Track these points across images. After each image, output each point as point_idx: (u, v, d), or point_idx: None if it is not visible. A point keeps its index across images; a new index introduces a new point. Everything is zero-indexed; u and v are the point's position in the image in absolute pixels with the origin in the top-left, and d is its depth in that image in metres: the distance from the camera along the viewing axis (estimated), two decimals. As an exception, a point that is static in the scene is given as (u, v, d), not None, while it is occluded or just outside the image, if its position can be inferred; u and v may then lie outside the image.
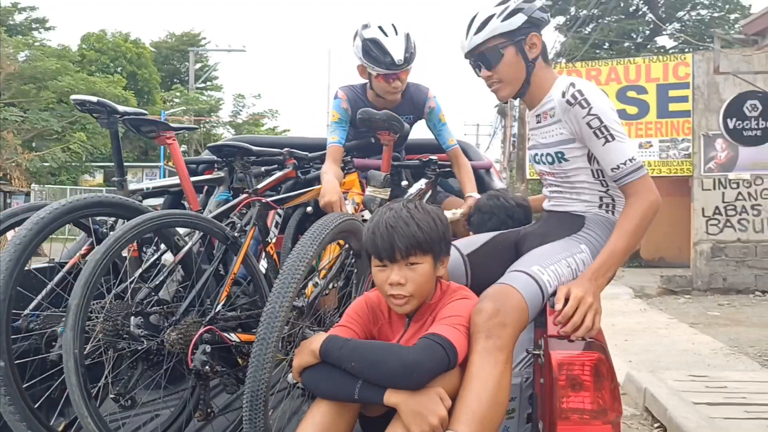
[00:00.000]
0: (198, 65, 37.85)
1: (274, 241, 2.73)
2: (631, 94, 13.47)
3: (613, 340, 7.94)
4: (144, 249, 2.44)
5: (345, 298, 2.56)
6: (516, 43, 2.25)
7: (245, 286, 2.46)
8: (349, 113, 3.28)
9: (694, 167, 12.81)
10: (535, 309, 1.96)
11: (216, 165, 3.27)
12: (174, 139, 2.63)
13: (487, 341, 1.81)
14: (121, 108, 2.45)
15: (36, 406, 1.89)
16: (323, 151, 3.22)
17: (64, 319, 1.95)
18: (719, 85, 12.41)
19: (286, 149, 3.12)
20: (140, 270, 2.22)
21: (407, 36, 3.15)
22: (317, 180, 3.11)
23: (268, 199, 2.63)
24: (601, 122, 2.10)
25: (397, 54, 3.08)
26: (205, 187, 3.45)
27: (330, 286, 2.42)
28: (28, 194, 26.21)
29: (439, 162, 3.42)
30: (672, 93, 13.25)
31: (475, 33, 2.27)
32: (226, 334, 2.09)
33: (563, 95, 2.16)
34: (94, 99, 2.39)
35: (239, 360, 2.18)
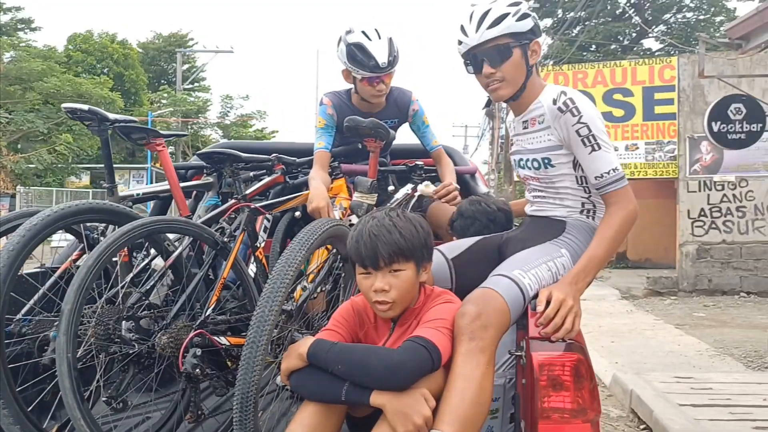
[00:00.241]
0: (185, 66, 37.68)
1: (263, 245, 2.76)
2: (618, 96, 13.56)
3: (599, 342, 8.00)
4: (134, 254, 2.47)
5: (333, 301, 2.60)
6: (522, 46, 2.30)
7: (235, 291, 2.50)
8: (335, 119, 3.32)
9: (680, 169, 12.92)
10: (517, 312, 2.01)
11: (205, 170, 3.30)
12: (164, 146, 2.65)
13: (470, 343, 1.86)
14: (111, 115, 2.48)
15: (28, 409, 1.92)
16: (311, 157, 3.25)
17: (56, 323, 1.99)
18: (704, 88, 12.53)
19: (274, 155, 3.15)
20: (131, 275, 2.25)
21: (390, 40, 3.20)
22: (305, 185, 3.15)
23: (257, 205, 2.67)
24: (590, 131, 2.16)
25: (381, 57, 3.14)
26: (194, 192, 3.48)
27: (318, 289, 2.46)
28: (13, 196, 26.01)
29: (425, 167, 3.46)
30: (658, 96, 13.34)
31: (488, 27, 2.28)
32: (216, 338, 2.13)
33: (554, 102, 2.22)
34: (86, 107, 2.42)
35: (228, 363, 2.21)
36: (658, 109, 13.34)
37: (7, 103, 24.66)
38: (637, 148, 13.50)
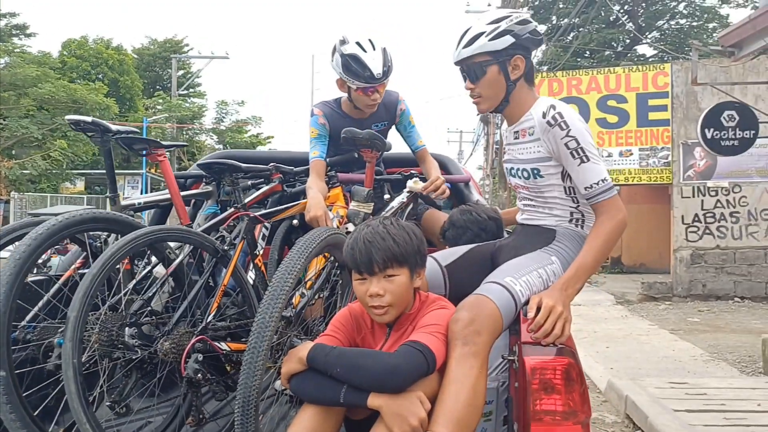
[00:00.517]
0: (181, 72, 37.68)
1: (261, 253, 2.82)
2: (612, 103, 13.62)
3: (595, 347, 8.04)
4: (136, 262, 2.52)
5: (330, 307, 2.66)
6: (500, 63, 2.37)
7: (234, 297, 2.54)
8: (327, 128, 3.39)
9: (674, 175, 12.99)
10: (509, 317, 2.08)
11: (204, 180, 3.34)
12: (165, 156, 2.72)
13: (463, 348, 1.93)
14: (114, 127, 2.54)
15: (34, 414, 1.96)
16: (307, 166, 3.30)
17: (60, 330, 2.08)
18: (698, 95, 12.61)
19: (272, 164, 3.19)
20: (133, 282, 2.31)
21: (384, 50, 3.27)
22: (302, 194, 3.22)
23: (256, 213, 2.72)
24: (578, 144, 2.23)
25: (376, 68, 3.21)
26: (193, 201, 3.52)
27: (316, 296, 2.52)
28: (7, 202, 25.95)
29: (421, 176, 3.52)
30: (651, 102, 13.42)
31: (464, 47, 2.39)
32: (217, 344, 2.18)
33: (544, 116, 2.28)
34: (89, 119, 2.48)
35: (228, 368, 2.26)
36: (652, 116, 13.42)
37: (2, 109, 24.61)
38: (631, 154, 13.57)
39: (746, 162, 12.20)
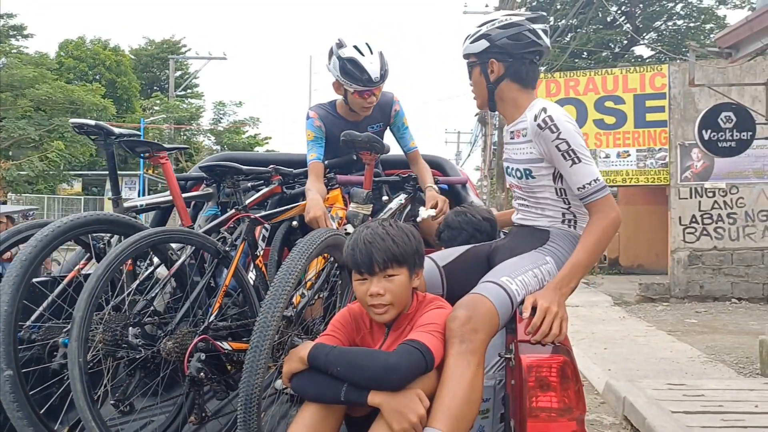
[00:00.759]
0: (178, 73, 37.67)
1: (262, 254, 2.85)
2: (609, 104, 13.63)
3: (592, 349, 8.04)
4: (138, 263, 2.55)
5: (330, 307, 2.69)
6: (481, 65, 2.49)
7: (235, 298, 2.58)
8: (323, 130, 3.42)
9: (671, 176, 13.01)
10: (506, 316, 2.12)
11: (205, 181, 3.38)
12: (167, 159, 2.74)
13: (461, 345, 1.97)
14: (117, 130, 2.57)
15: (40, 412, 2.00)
16: (306, 168, 3.34)
17: (65, 330, 2.12)
18: (695, 96, 12.64)
19: (272, 166, 3.23)
20: (136, 283, 2.34)
21: (381, 54, 3.31)
22: (302, 195, 3.25)
23: (257, 215, 2.76)
24: (569, 146, 2.26)
25: (374, 72, 3.24)
26: (192, 203, 3.54)
27: (316, 296, 2.56)
28: (4, 203, 25.88)
29: (415, 181, 3.57)
30: (649, 103, 13.43)
31: (462, 45, 2.54)
32: (219, 343, 2.22)
33: (535, 119, 2.32)
34: (92, 122, 2.52)
35: (229, 367, 2.30)
36: (650, 117, 13.43)
37: (-1, 110, 24.60)
38: (629, 155, 13.58)
39: (743, 163, 12.22)
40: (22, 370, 1.97)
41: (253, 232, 2.76)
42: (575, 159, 2.26)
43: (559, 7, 25.11)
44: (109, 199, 2.65)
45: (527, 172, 2.41)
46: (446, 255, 2.58)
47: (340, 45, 3.29)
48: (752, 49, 8.39)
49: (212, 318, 2.24)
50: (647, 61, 25.21)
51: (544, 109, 2.31)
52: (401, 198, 3.48)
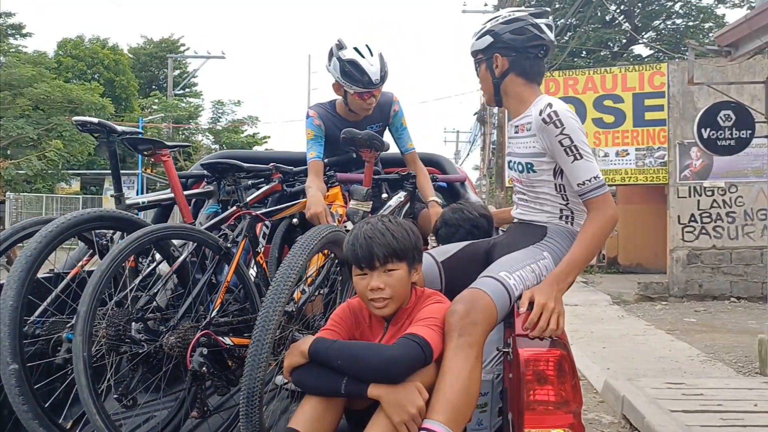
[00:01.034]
0: (177, 72, 37.61)
1: (262, 250, 2.88)
2: (608, 103, 13.62)
3: (591, 348, 8.03)
4: (140, 260, 2.60)
5: (330, 303, 2.71)
6: (486, 61, 2.55)
7: (236, 294, 2.61)
8: (322, 129, 3.46)
9: (670, 175, 13.01)
10: (504, 310, 2.15)
11: (206, 179, 3.42)
12: (169, 156, 2.78)
13: (459, 339, 2.01)
14: (119, 128, 2.61)
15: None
16: (306, 166, 3.37)
17: (68, 325, 2.16)
18: (694, 95, 12.63)
19: (272, 164, 3.25)
20: (139, 279, 2.39)
21: (381, 56, 3.34)
22: (302, 193, 3.29)
23: (258, 212, 2.78)
24: (572, 142, 2.30)
25: (374, 74, 3.27)
26: (193, 200, 3.57)
27: (316, 292, 2.59)
28: (2, 202, 25.85)
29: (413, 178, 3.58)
30: (648, 102, 13.42)
31: (470, 44, 2.60)
32: (220, 338, 2.25)
33: (540, 114, 2.36)
34: (95, 120, 2.55)
35: (230, 363, 2.32)
36: (649, 116, 13.42)
37: (-3, 109, 24.54)
38: (628, 154, 13.57)
39: (742, 162, 12.22)
40: (28, 365, 1.99)
41: (254, 229, 2.79)
42: (577, 155, 2.29)
43: (558, 5, 25.10)
44: (111, 196, 2.69)
45: (529, 165, 2.45)
46: (445, 251, 2.62)
47: (341, 46, 3.31)
48: (752, 47, 8.38)
49: (214, 313, 2.27)
50: (646, 60, 25.19)
51: (550, 105, 2.36)
52: (401, 195, 3.49)
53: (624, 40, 27.93)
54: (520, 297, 2.17)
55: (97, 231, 2.46)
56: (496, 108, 3.07)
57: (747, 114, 9.41)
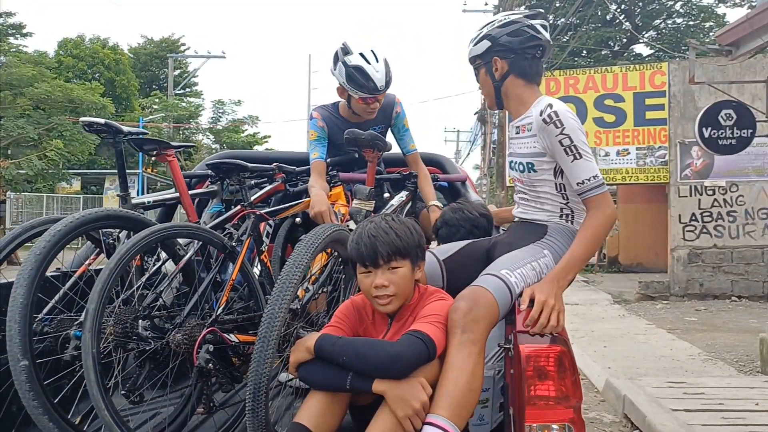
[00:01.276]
0: (177, 71, 37.60)
1: (266, 249, 2.92)
2: (609, 102, 13.62)
3: (592, 347, 8.03)
4: (146, 258, 2.63)
5: (334, 301, 2.76)
6: (485, 65, 2.59)
7: (241, 292, 2.64)
8: (325, 130, 3.50)
9: (671, 174, 13.00)
10: (505, 307, 2.19)
11: (210, 179, 3.45)
12: (174, 157, 2.82)
13: (462, 335, 2.04)
14: (125, 128, 2.65)
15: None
16: (308, 166, 3.42)
17: (77, 322, 2.20)
18: (695, 94, 12.62)
19: (275, 164, 3.29)
20: (145, 277, 2.43)
21: (386, 61, 3.37)
22: (304, 193, 3.31)
23: (262, 211, 2.82)
24: (572, 141, 2.34)
25: (379, 80, 3.31)
26: (197, 200, 3.58)
27: (320, 290, 2.64)
28: (3, 202, 25.86)
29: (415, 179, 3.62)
30: (648, 101, 13.41)
31: (467, 50, 2.64)
32: (226, 335, 2.29)
33: (541, 114, 2.40)
34: (102, 121, 2.58)
35: (234, 360, 2.37)
36: (649, 115, 13.42)
37: (-2, 109, 24.54)
38: (629, 153, 13.56)
39: (743, 161, 12.22)
40: (36, 362, 2.03)
41: (259, 228, 2.82)
42: (576, 155, 2.33)
43: (558, 5, 25.08)
44: (117, 195, 2.73)
45: (530, 165, 2.48)
46: (446, 249, 2.65)
47: (346, 51, 3.34)
48: (752, 46, 8.39)
49: (220, 311, 2.31)
50: (646, 60, 25.20)
51: (550, 105, 2.39)
52: (402, 195, 3.53)
53: (624, 40, 27.94)
54: (521, 294, 2.21)
55: (104, 230, 2.50)
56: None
57: (748, 113, 9.41)
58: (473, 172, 37.84)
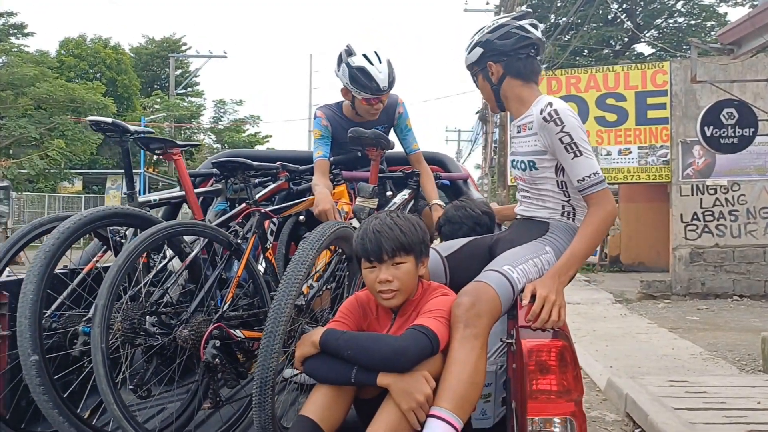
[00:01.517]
0: (178, 71, 37.62)
1: (271, 246, 2.97)
2: (610, 101, 13.59)
3: (594, 346, 8.03)
4: (152, 256, 2.67)
5: (337, 298, 2.78)
6: (482, 71, 2.65)
7: (246, 288, 2.69)
8: (329, 129, 3.56)
9: (673, 173, 12.99)
10: (507, 302, 2.22)
11: (214, 178, 3.49)
12: (180, 155, 2.86)
13: (465, 330, 2.08)
14: (132, 127, 2.69)
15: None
16: (311, 165, 3.44)
17: (84, 318, 2.25)
18: (696, 93, 12.60)
19: (279, 163, 3.32)
20: (152, 274, 2.47)
21: (389, 62, 3.42)
22: (308, 191, 3.36)
23: (266, 209, 2.86)
24: (572, 139, 2.38)
25: (383, 81, 3.36)
26: (201, 198, 3.60)
27: (324, 287, 2.67)
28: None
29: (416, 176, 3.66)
30: (650, 100, 13.39)
31: (463, 59, 2.71)
32: (232, 331, 2.32)
33: (541, 112, 2.44)
34: (109, 120, 2.62)
35: (239, 356, 2.40)
36: (651, 114, 13.40)
37: (0, 109, 24.55)
38: (630, 152, 13.55)
39: (745, 160, 12.21)
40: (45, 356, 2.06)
41: (263, 226, 2.87)
42: (577, 152, 2.36)
43: (560, 4, 25.08)
44: (124, 194, 2.76)
45: (531, 163, 2.52)
46: (449, 246, 2.68)
47: (350, 53, 3.38)
48: (754, 45, 8.41)
49: (225, 307, 2.35)
50: (648, 59, 25.16)
51: (550, 104, 2.43)
52: (405, 194, 3.58)
53: (626, 39, 27.92)
54: (523, 290, 2.24)
55: (111, 227, 2.53)
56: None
57: (750, 112, 9.41)
58: (474, 172, 37.85)
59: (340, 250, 2.73)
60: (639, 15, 27.50)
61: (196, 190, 3.22)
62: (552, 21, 26.73)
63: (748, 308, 11.36)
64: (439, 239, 3.10)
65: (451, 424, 1.97)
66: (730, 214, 12.67)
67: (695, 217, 12.78)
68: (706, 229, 12.74)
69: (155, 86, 39.44)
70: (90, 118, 2.65)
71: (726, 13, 27.06)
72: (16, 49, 27.80)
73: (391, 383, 2.01)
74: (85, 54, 33.75)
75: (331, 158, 3.51)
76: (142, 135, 2.74)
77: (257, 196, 3.05)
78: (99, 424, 2.21)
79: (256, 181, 3.31)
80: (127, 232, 2.61)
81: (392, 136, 3.70)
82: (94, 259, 2.67)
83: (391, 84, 3.40)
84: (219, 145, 35.30)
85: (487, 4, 26.48)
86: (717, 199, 12.71)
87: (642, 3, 27.56)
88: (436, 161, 4.11)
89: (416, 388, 1.99)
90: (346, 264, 2.79)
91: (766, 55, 11.55)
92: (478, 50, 2.62)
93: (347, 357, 2.06)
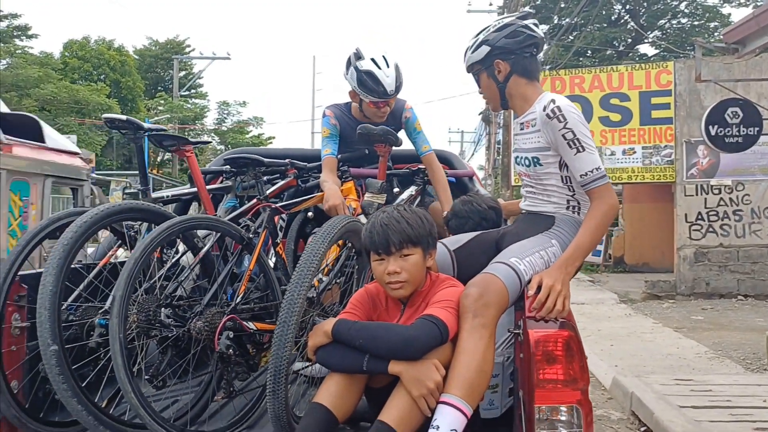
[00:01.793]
0: (182, 73, 37.62)
1: (281, 241, 3.00)
2: (614, 101, 13.59)
3: (599, 345, 8.04)
4: (165, 250, 2.72)
5: (347, 291, 2.84)
6: (487, 69, 2.67)
7: (257, 282, 2.73)
8: (337, 128, 3.62)
9: (677, 173, 12.99)
10: (515, 293, 2.27)
11: (224, 175, 3.54)
12: (192, 152, 2.91)
13: (473, 320, 2.13)
14: (146, 125, 2.74)
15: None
16: (320, 162, 3.49)
17: (101, 310, 2.31)
18: (701, 93, 12.61)
19: (288, 160, 3.38)
20: (166, 267, 2.51)
21: (397, 66, 3.48)
22: (316, 188, 3.40)
23: (277, 205, 2.92)
24: (574, 135, 2.42)
25: (390, 85, 3.43)
26: (211, 195, 3.63)
27: (334, 280, 2.73)
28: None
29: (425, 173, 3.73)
30: (654, 100, 13.38)
31: (464, 59, 2.74)
32: (245, 323, 2.38)
33: (544, 109, 2.48)
34: (123, 117, 2.68)
35: (250, 349, 2.46)
36: (655, 114, 13.39)
37: (4, 110, 24.59)
38: (634, 152, 13.54)
39: (749, 160, 12.22)
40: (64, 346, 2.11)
41: (274, 221, 2.91)
42: (579, 148, 2.41)
43: (563, 5, 25.10)
44: (137, 190, 2.83)
45: (535, 160, 2.56)
46: (457, 240, 2.73)
47: (358, 56, 3.45)
48: (759, 44, 8.39)
49: (238, 299, 2.40)
50: (651, 60, 25.16)
51: (553, 101, 2.48)
52: (411, 190, 3.65)
53: (629, 40, 27.92)
54: (530, 281, 2.29)
55: (126, 222, 2.59)
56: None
57: (755, 111, 9.39)
58: (478, 173, 37.81)
59: (349, 244, 2.79)
60: (642, 16, 27.50)
61: (208, 187, 3.27)
62: (555, 22, 26.75)
63: (752, 308, 11.37)
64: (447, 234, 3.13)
65: (461, 411, 2.02)
66: (734, 213, 12.68)
67: (700, 217, 12.78)
68: (711, 229, 12.75)
69: (159, 88, 39.45)
70: (105, 115, 2.70)
71: (729, 14, 27.06)
72: (20, 51, 27.90)
73: (403, 371, 2.06)
74: (89, 56, 33.77)
75: (339, 156, 3.55)
76: (156, 132, 2.80)
77: (267, 192, 3.08)
78: (115, 413, 2.25)
79: (266, 178, 3.33)
80: (141, 228, 2.66)
81: (401, 135, 3.72)
82: (110, 252, 2.74)
83: (398, 88, 3.47)
84: (222, 147, 35.32)
85: (491, 5, 26.53)
86: (721, 198, 12.72)
87: (645, 4, 27.56)
88: (442, 159, 4.14)
89: (427, 376, 2.04)
90: (355, 258, 2.84)
91: (770, 54, 11.54)
92: (485, 48, 2.64)
93: (359, 346, 2.11)
